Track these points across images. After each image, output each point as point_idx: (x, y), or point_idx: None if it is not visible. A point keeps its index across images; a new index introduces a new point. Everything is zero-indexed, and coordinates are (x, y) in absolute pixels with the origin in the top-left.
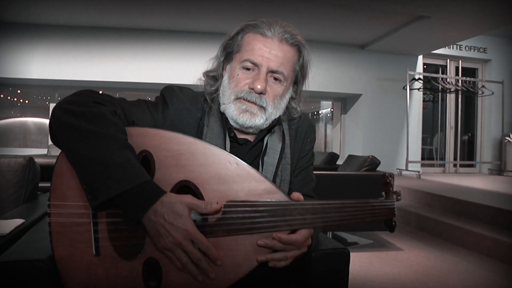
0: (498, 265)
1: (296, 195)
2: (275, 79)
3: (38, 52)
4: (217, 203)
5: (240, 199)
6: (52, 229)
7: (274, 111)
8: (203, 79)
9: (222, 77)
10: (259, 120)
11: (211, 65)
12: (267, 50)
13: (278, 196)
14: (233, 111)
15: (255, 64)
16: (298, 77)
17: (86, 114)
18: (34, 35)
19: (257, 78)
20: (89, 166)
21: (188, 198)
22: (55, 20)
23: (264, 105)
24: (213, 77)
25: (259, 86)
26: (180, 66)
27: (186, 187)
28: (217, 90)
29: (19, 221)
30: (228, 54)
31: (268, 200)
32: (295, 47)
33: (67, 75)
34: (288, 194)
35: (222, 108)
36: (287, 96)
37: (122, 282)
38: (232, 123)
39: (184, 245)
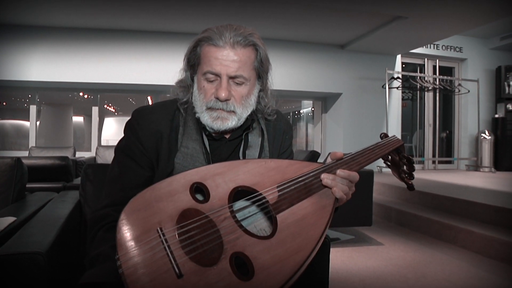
0: (473, 255)
1: (333, 153)
2: (237, 83)
3: (16, 53)
4: None
5: (288, 179)
6: (126, 277)
7: (244, 110)
8: (176, 89)
9: (192, 87)
10: (231, 123)
11: (180, 75)
12: (223, 58)
13: (314, 165)
14: (207, 120)
15: (215, 74)
16: (260, 72)
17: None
18: (12, 36)
19: (219, 87)
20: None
21: None
22: (34, 21)
23: (232, 109)
24: (184, 87)
25: (223, 94)
26: (164, 67)
27: (241, 191)
28: (188, 100)
29: (11, 219)
30: (192, 66)
31: (309, 170)
32: (249, 47)
33: (47, 76)
34: None
35: (197, 116)
36: (255, 92)
37: None
38: (208, 129)
39: None
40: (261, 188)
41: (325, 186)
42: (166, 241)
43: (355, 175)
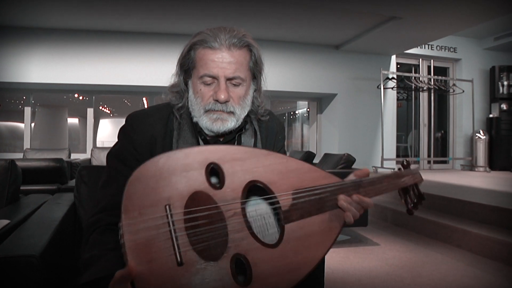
0: (468, 255)
1: (358, 171)
2: (235, 84)
3: (10, 55)
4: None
5: (305, 187)
6: (126, 249)
7: (242, 111)
8: (168, 93)
9: (187, 92)
10: (231, 124)
11: (173, 80)
12: (219, 60)
13: (333, 179)
14: (206, 122)
15: (213, 77)
16: (255, 72)
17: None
18: (6, 38)
19: (218, 89)
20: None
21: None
22: (29, 23)
23: (231, 110)
24: (177, 92)
25: (222, 96)
26: (159, 69)
27: (256, 186)
28: (184, 105)
29: (4, 222)
30: (186, 71)
31: (327, 183)
32: (244, 48)
33: (42, 78)
34: None
35: (194, 120)
36: (251, 92)
37: (210, 285)
38: (207, 132)
39: None
40: (276, 189)
41: (338, 207)
42: (173, 224)
43: (369, 203)
